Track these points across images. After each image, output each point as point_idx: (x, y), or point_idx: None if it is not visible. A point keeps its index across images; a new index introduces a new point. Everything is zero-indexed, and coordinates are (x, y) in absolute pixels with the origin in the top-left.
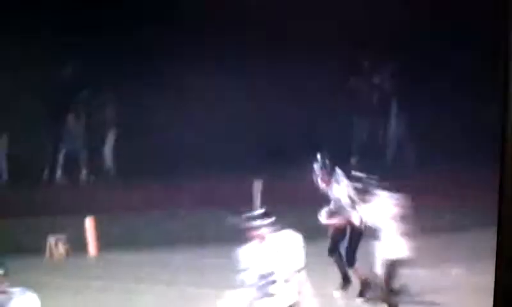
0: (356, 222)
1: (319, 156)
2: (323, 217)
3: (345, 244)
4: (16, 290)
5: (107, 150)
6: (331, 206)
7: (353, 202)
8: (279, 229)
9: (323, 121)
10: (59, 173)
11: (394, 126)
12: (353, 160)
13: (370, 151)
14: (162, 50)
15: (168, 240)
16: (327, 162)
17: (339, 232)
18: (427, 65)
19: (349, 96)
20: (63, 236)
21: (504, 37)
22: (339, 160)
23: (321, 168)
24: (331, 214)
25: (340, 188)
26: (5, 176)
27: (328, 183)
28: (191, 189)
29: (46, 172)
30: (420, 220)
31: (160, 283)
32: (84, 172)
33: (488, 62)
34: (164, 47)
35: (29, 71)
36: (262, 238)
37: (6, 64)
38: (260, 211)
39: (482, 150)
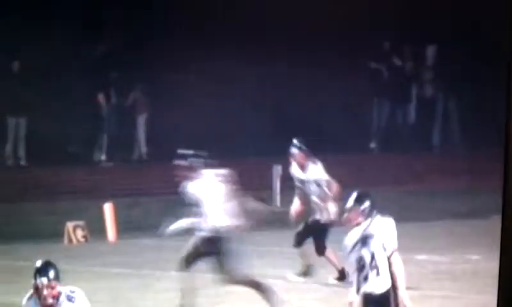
0: (326, 211)
1: (295, 140)
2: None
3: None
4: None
5: (134, 134)
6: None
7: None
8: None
9: (341, 105)
10: (80, 157)
11: (413, 108)
12: (373, 144)
13: (389, 133)
14: (191, 36)
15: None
16: (303, 145)
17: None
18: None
19: (369, 79)
20: (81, 222)
21: None
22: (359, 144)
23: (299, 150)
24: (303, 199)
25: (317, 169)
26: (23, 160)
27: (304, 165)
28: None
29: (66, 156)
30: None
31: None
32: (104, 156)
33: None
34: (193, 32)
35: (56, 50)
36: None
37: (34, 45)
38: (192, 151)
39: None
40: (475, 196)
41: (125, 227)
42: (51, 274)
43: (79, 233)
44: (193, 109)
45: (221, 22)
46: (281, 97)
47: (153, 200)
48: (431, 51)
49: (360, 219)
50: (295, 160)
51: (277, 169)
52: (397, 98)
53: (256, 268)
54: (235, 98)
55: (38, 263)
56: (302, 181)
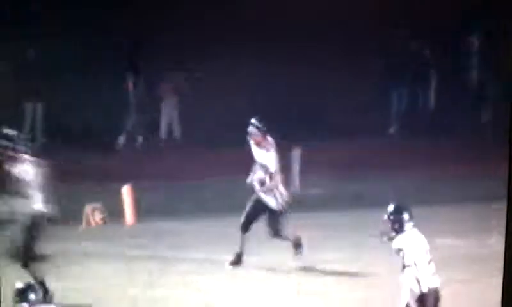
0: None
1: (253, 119)
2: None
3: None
4: None
5: (156, 118)
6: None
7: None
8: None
9: (363, 88)
10: (99, 140)
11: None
12: (392, 129)
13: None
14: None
15: (206, 209)
16: (262, 125)
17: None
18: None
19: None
20: (99, 205)
21: None
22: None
23: (257, 130)
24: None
25: (270, 156)
26: (41, 144)
27: (261, 145)
28: (229, 158)
29: (86, 139)
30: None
31: (198, 252)
32: (123, 140)
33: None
34: (221, 18)
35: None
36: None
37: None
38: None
39: None
40: (496, 180)
41: (144, 210)
42: (32, 297)
43: (98, 215)
44: (212, 95)
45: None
46: (301, 81)
47: (172, 184)
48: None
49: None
50: (252, 139)
51: (296, 151)
52: (416, 82)
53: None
54: (253, 81)
55: (19, 285)
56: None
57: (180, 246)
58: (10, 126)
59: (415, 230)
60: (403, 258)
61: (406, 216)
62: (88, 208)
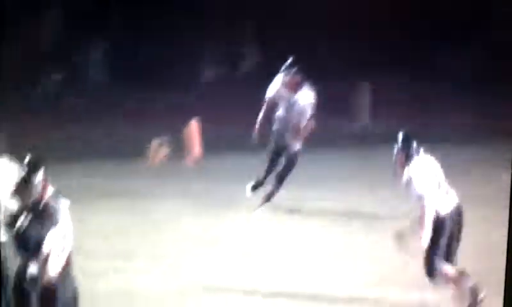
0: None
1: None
2: None
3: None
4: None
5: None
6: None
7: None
8: None
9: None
10: (164, 74)
11: None
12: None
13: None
14: None
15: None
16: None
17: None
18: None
19: None
20: (165, 140)
21: None
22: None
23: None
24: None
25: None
26: (108, 76)
27: (297, 87)
28: None
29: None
30: None
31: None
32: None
33: None
34: None
35: None
36: None
37: None
38: None
39: None
40: None
41: (210, 144)
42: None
43: (163, 150)
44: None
45: None
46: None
47: (240, 117)
48: None
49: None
50: (288, 80)
51: (364, 85)
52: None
53: None
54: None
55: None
56: (288, 102)
57: (246, 179)
58: (76, 65)
59: (426, 156)
60: (414, 188)
61: (413, 143)
62: (154, 144)
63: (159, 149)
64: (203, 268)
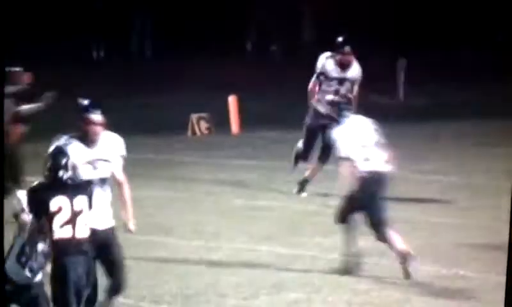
0: None
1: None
2: None
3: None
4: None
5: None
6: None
7: None
8: None
9: None
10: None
11: None
12: None
13: None
14: None
15: None
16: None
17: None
18: None
19: None
20: (205, 114)
21: None
22: None
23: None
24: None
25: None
26: (149, 52)
27: (350, 63)
28: None
29: (193, 49)
30: None
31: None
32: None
33: None
34: None
35: None
36: None
37: None
38: None
39: None
40: None
41: (250, 120)
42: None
43: (203, 124)
44: None
45: None
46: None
47: (280, 93)
48: None
49: None
50: (345, 57)
51: (402, 62)
52: None
53: None
54: None
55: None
56: (340, 80)
57: (284, 155)
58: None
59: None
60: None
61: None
62: (194, 117)
63: (198, 122)
64: (243, 243)
